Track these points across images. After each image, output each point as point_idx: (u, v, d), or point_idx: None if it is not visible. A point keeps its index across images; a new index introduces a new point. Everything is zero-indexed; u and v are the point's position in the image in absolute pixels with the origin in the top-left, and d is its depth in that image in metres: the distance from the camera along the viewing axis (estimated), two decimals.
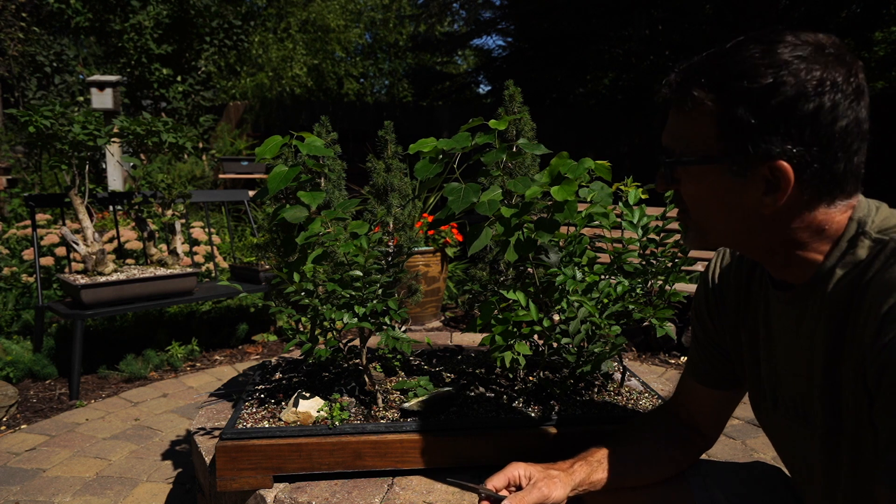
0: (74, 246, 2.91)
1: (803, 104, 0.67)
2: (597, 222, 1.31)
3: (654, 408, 1.25)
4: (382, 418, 1.24)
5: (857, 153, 0.70)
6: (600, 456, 0.99)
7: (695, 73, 0.73)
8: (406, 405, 1.26)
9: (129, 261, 3.94)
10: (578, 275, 1.27)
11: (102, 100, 5.74)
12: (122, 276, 2.91)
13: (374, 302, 1.23)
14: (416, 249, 3.26)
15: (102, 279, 2.85)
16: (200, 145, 7.56)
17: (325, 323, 1.23)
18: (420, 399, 1.27)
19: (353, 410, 1.28)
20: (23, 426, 2.55)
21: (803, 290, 0.76)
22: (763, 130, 0.69)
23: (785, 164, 0.69)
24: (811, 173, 0.69)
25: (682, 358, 3.38)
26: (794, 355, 0.79)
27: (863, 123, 0.69)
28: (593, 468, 0.97)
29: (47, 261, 3.88)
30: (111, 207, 3.47)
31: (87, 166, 3.01)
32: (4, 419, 2.60)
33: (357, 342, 1.35)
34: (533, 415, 1.26)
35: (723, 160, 0.72)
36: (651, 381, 1.69)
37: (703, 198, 0.77)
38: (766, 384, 0.86)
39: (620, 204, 1.42)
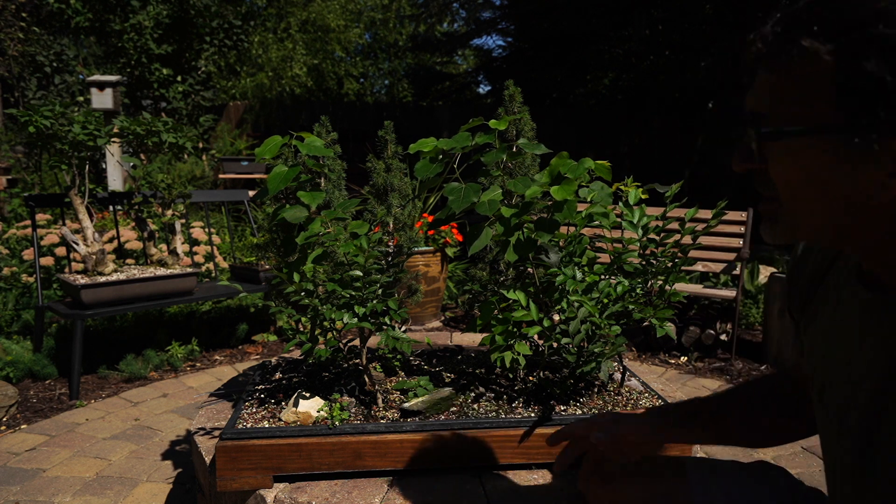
0: (74, 246, 2.92)
1: None
2: (597, 222, 1.31)
3: (770, 373, 1.16)
4: (382, 418, 1.24)
5: None
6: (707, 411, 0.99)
7: (803, 20, 0.56)
8: (406, 405, 1.26)
9: (129, 261, 3.94)
10: (578, 275, 1.27)
11: (102, 100, 5.74)
12: (122, 276, 2.91)
13: (374, 302, 1.23)
14: (416, 249, 3.26)
15: (102, 279, 2.85)
16: (200, 145, 7.56)
17: (325, 323, 1.23)
18: (420, 399, 1.27)
19: (353, 410, 1.28)
20: (23, 426, 2.55)
21: (893, 297, 0.62)
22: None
23: None
24: None
25: (682, 358, 3.38)
26: (855, 363, 0.68)
27: None
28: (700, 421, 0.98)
29: (47, 261, 3.88)
30: (111, 207, 3.47)
31: (87, 166, 3.01)
32: (4, 419, 2.60)
33: (357, 342, 1.35)
34: (533, 415, 1.26)
35: (842, 131, 0.55)
36: (651, 381, 1.69)
37: (803, 180, 0.60)
38: (817, 385, 0.77)
39: (620, 204, 1.42)
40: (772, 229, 0.66)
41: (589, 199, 1.29)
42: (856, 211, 0.59)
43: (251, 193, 4.26)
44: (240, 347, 3.59)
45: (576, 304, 1.24)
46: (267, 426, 1.22)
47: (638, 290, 1.36)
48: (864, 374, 0.66)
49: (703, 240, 3.35)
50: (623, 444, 1.00)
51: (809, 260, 0.81)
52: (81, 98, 8.28)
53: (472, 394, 1.37)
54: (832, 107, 0.55)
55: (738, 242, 3.40)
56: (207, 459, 1.29)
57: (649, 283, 1.38)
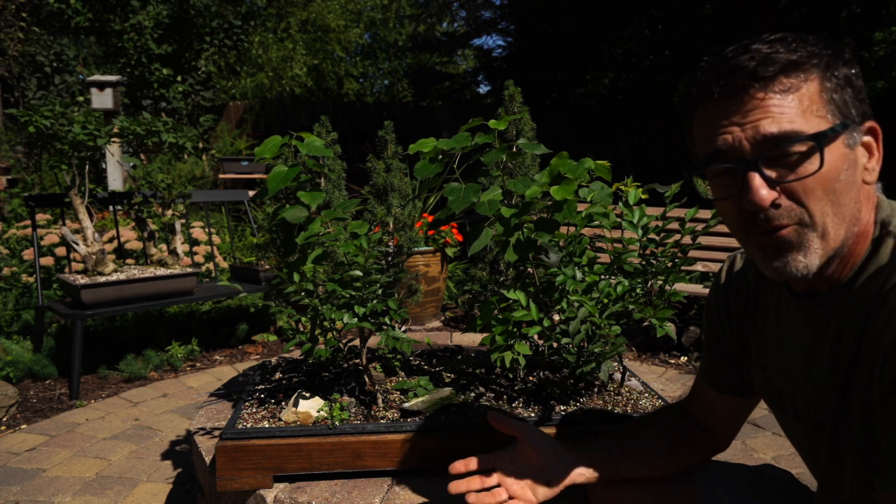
0: (74, 246, 2.91)
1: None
2: (597, 222, 1.31)
3: (666, 405, 1.25)
4: (382, 418, 1.24)
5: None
6: (607, 445, 1.01)
7: (781, 52, 0.67)
8: (406, 405, 1.26)
9: (129, 261, 3.94)
10: (578, 275, 1.27)
11: (102, 100, 5.74)
12: (122, 276, 2.91)
13: (374, 302, 1.23)
14: (416, 249, 3.26)
15: (102, 279, 2.85)
16: (200, 145, 7.56)
17: (325, 323, 1.23)
18: (420, 399, 1.27)
19: (353, 410, 1.28)
20: (23, 426, 2.55)
21: (830, 296, 0.73)
22: (860, 91, 0.70)
23: (873, 122, 0.71)
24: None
25: (682, 358, 3.38)
26: (814, 365, 0.77)
27: None
28: (601, 456, 0.99)
29: (47, 261, 3.88)
30: (111, 207, 3.47)
31: (87, 166, 3.01)
32: (4, 419, 2.60)
33: (357, 342, 1.35)
34: (533, 415, 1.26)
35: (843, 130, 0.68)
36: (651, 381, 1.69)
37: (834, 179, 0.67)
38: (785, 397, 0.84)
39: (620, 204, 1.42)
40: (805, 254, 0.69)
41: (589, 199, 1.29)
42: (859, 201, 0.70)
43: (251, 193, 4.26)
44: (240, 347, 3.59)
45: (576, 304, 1.24)
46: (267, 426, 1.22)
47: (638, 290, 1.36)
48: (831, 367, 0.74)
49: (703, 240, 3.35)
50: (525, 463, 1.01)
51: (741, 293, 0.91)
52: (81, 98, 8.28)
53: (472, 394, 1.37)
54: (831, 114, 0.68)
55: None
56: (207, 459, 1.29)
57: (649, 283, 1.38)
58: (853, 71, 0.70)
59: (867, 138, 0.71)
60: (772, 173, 0.67)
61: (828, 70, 0.68)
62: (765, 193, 0.67)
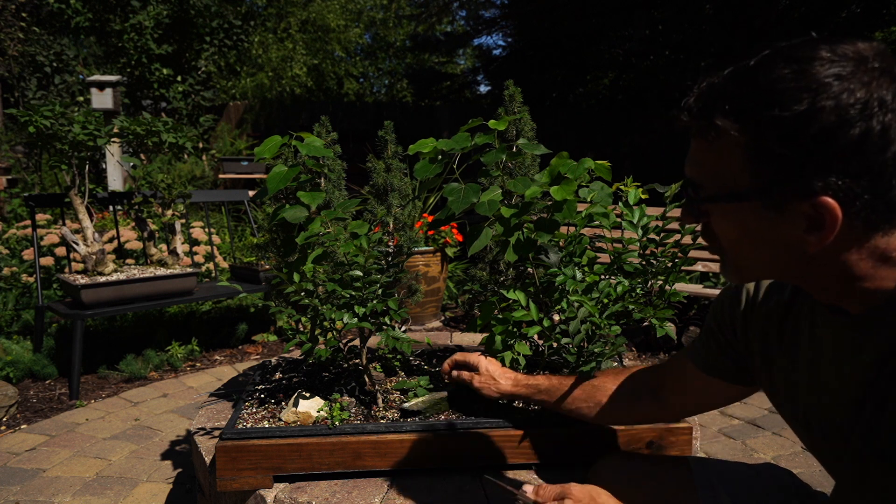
0: (74, 246, 2.91)
1: (846, 131, 0.58)
2: (597, 222, 1.31)
3: (627, 366, 1.25)
4: (382, 418, 1.24)
5: None
6: (562, 378, 1.17)
7: (717, 98, 0.64)
8: (406, 405, 1.26)
9: (129, 261, 3.94)
10: (578, 275, 1.27)
11: (102, 100, 5.74)
12: (122, 276, 2.91)
13: (374, 302, 1.23)
14: (416, 249, 3.26)
15: (102, 279, 2.85)
16: (200, 145, 7.56)
17: (325, 323, 1.23)
18: (420, 399, 1.27)
19: (353, 410, 1.28)
20: (23, 426, 2.55)
21: (872, 315, 0.68)
22: (801, 164, 0.60)
23: (829, 199, 0.60)
24: (862, 205, 0.60)
25: None
26: (845, 382, 0.72)
27: None
28: (551, 382, 1.17)
29: (47, 261, 3.88)
30: (111, 207, 3.47)
31: (87, 166, 3.01)
32: (4, 419, 2.60)
33: (357, 342, 1.35)
34: (533, 415, 1.26)
35: (756, 198, 0.64)
36: None
37: (737, 236, 0.68)
38: (801, 407, 0.81)
39: (620, 204, 1.42)
40: (724, 272, 0.75)
41: (589, 199, 1.29)
42: (793, 259, 0.67)
43: (251, 193, 4.26)
44: (240, 347, 3.59)
45: (576, 304, 1.24)
46: (267, 426, 1.22)
47: (638, 290, 1.36)
48: (862, 383, 0.69)
49: (703, 240, 3.34)
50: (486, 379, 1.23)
51: (770, 299, 0.86)
52: (81, 98, 8.28)
53: (472, 394, 1.37)
54: (748, 176, 0.64)
55: None
56: (207, 459, 1.29)
57: (649, 283, 1.38)
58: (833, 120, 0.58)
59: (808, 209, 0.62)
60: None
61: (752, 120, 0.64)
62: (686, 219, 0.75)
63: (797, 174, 0.60)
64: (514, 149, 1.32)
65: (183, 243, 3.38)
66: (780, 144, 0.60)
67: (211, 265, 4.02)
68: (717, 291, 3.39)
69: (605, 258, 1.47)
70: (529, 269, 1.33)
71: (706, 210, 0.70)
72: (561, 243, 1.34)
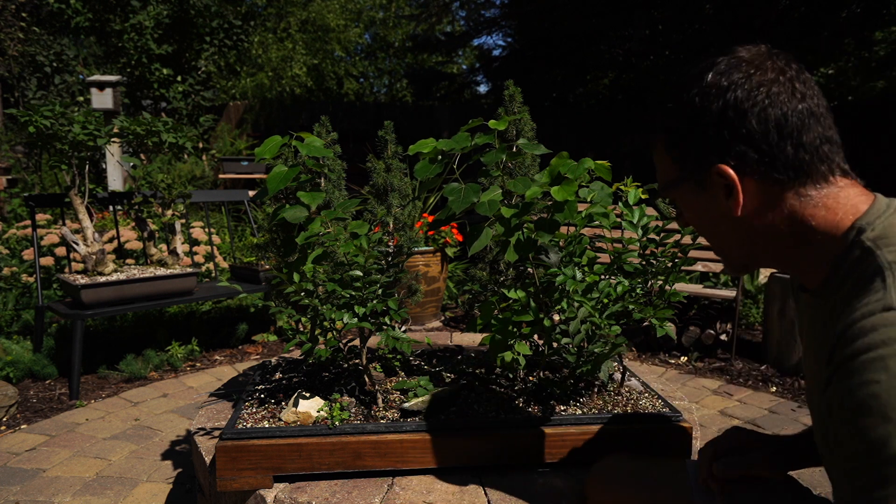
0: (74, 246, 2.92)
1: (713, 104, 0.74)
2: (597, 222, 1.31)
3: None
4: (382, 418, 1.24)
5: (806, 133, 0.72)
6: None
7: (657, 121, 0.84)
8: (406, 405, 1.26)
9: (129, 261, 3.94)
10: (578, 275, 1.27)
11: (102, 100, 5.74)
12: (122, 276, 2.91)
13: (374, 302, 1.23)
14: (416, 249, 3.26)
15: (102, 279, 2.85)
16: (200, 145, 7.56)
17: (325, 323, 1.23)
18: (420, 399, 1.27)
19: (353, 410, 1.28)
20: (23, 426, 2.55)
21: (816, 292, 0.77)
22: (697, 143, 0.76)
23: (723, 166, 0.75)
24: (755, 165, 0.73)
25: (682, 358, 3.38)
26: (819, 360, 0.76)
27: (799, 102, 0.72)
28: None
29: (47, 261, 3.88)
30: (111, 207, 3.47)
31: (87, 166, 3.01)
32: (4, 419, 2.60)
33: (357, 342, 1.35)
34: (533, 415, 1.26)
35: (683, 179, 0.80)
36: (651, 381, 1.69)
37: (696, 217, 0.84)
38: (806, 392, 0.87)
39: (620, 204, 1.42)
40: (724, 266, 0.88)
41: (589, 199, 1.29)
42: (736, 230, 0.79)
43: (251, 193, 4.26)
44: (240, 347, 3.59)
45: (576, 304, 1.24)
46: (267, 426, 1.22)
47: (638, 290, 1.36)
48: (813, 367, 0.77)
49: (703, 240, 3.34)
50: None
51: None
52: (81, 98, 8.28)
53: (472, 394, 1.37)
54: (674, 166, 0.82)
55: None
56: (207, 459, 1.29)
57: (649, 283, 1.38)
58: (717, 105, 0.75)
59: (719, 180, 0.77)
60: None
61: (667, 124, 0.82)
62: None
63: (698, 152, 0.77)
64: (514, 149, 1.32)
65: (183, 243, 3.38)
66: (682, 132, 0.78)
67: (211, 265, 4.02)
68: (717, 291, 3.40)
69: (605, 258, 1.48)
70: (529, 269, 1.33)
71: (672, 202, 0.87)
72: (561, 243, 1.34)
